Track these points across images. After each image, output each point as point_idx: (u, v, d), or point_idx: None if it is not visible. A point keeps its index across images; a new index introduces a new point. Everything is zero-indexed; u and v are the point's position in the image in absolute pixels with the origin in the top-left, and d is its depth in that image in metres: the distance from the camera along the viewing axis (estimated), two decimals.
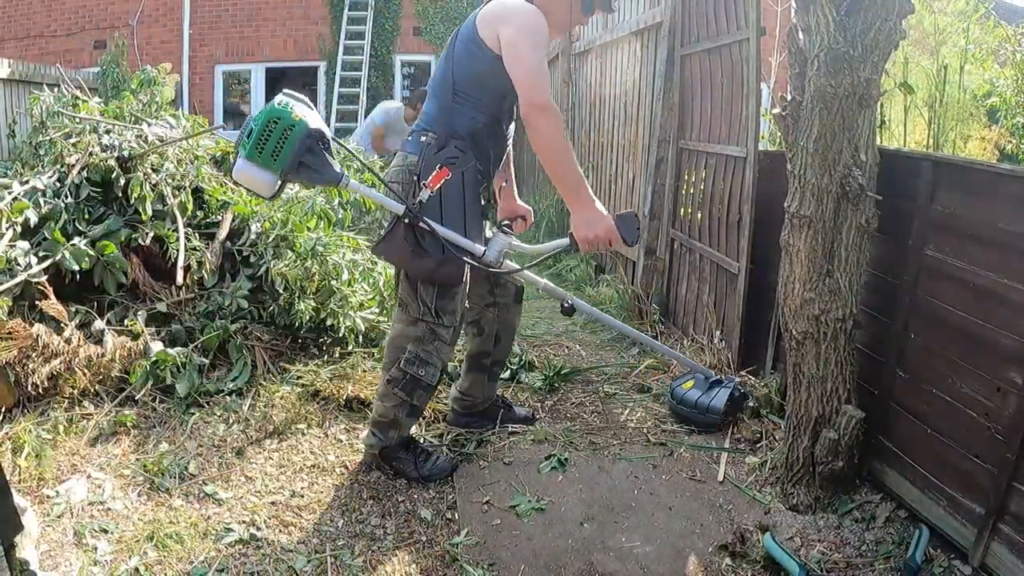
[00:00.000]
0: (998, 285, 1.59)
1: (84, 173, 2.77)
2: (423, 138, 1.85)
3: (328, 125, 8.31)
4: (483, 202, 1.99)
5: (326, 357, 2.81)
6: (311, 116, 1.78)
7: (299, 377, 2.58)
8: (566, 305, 2.14)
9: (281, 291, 2.72)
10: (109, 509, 1.86)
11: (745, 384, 2.47)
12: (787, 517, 1.90)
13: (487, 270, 1.94)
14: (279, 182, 1.79)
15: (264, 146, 1.72)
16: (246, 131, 1.76)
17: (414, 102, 4.94)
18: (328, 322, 2.80)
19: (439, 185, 1.81)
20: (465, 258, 1.87)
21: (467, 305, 2.08)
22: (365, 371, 2.71)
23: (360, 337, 2.85)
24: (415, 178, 1.82)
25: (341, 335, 2.82)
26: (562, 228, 4.91)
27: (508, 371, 2.77)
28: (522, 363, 2.85)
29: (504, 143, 1.99)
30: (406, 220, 1.82)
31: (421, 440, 2.19)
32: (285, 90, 1.86)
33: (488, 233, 2.01)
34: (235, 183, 2.01)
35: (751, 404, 2.39)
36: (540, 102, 1.72)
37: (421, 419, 2.33)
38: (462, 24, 1.91)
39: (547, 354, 3.07)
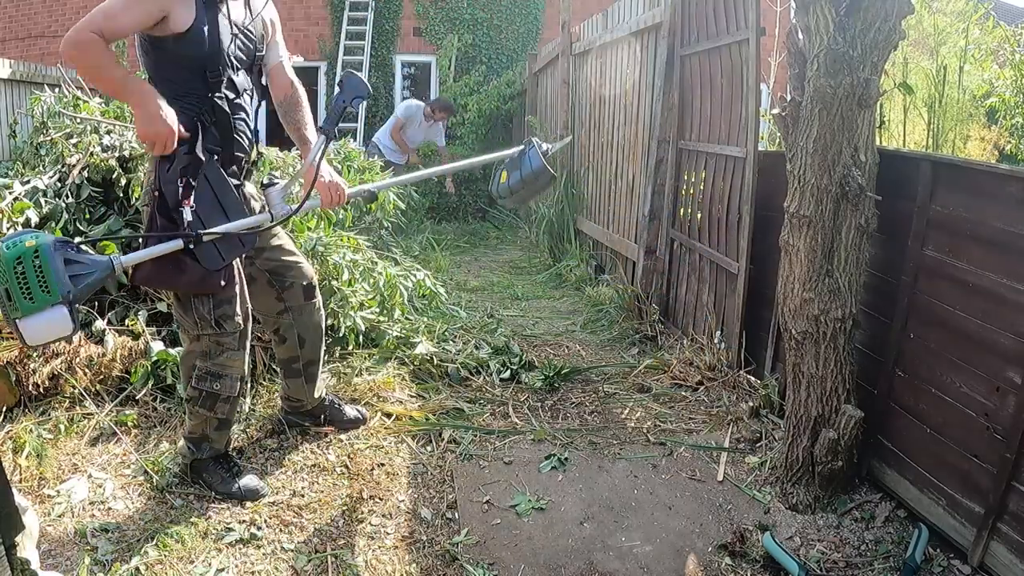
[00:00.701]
0: (997, 285, 1.60)
1: (85, 173, 2.78)
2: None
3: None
4: (236, 182, 1.84)
5: (326, 357, 2.81)
6: (39, 233, 1.56)
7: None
8: (366, 195, 2.04)
9: None
10: (110, 508, 1.87)
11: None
12: (787, 516, 1.91)
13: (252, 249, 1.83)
14: (71, 309, 1.52)
15: (30, 291, 1.48)
16: (2, 298, 1.49)
17: (434, 107, 5.99)
18: (328, 322, 2.80)
19: (192, 195, 1.69)
20: (251, 232, 1.76)
21: (254, 313, 2.01)
22: (366, 369, 2.72)
23: (360, 337, 2.85)
24: (172, 204, 1.69)
25: (342, 335, 2.82)
26: (561, 227, 4.92)
27: (508, 371, 2.78)
28: (522, 363, 2.86)
29: (240, 111, 1.81)
30: (191, 246, 1.67)
31: (238, 454, 2.11)
32: None
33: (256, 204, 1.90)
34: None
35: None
36: (69, 37, 1.68)
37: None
38: None
39: (547, 354, 3.07)
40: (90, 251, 1.63)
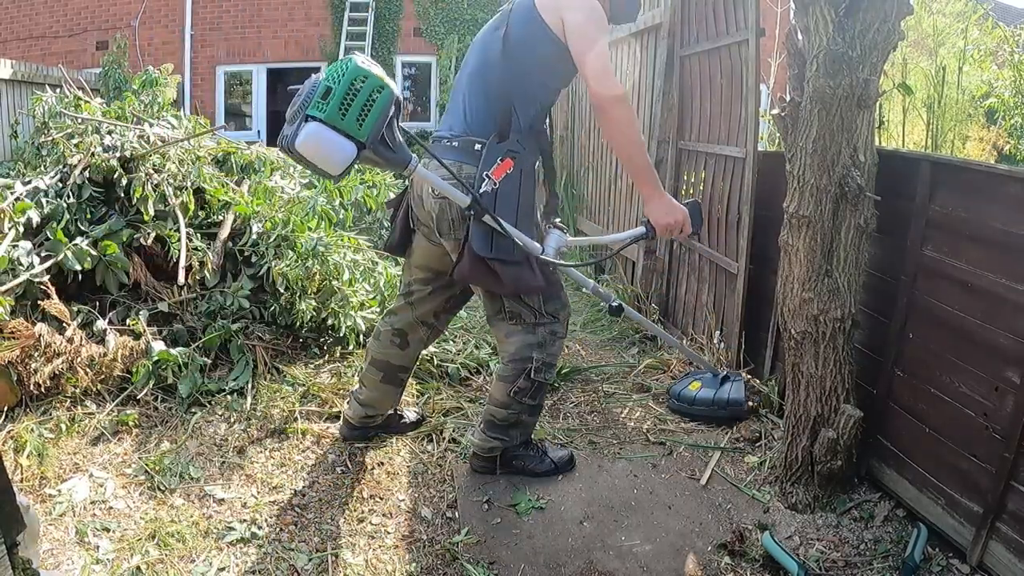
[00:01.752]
0: (996, 285, 1.60)
1: (86, 173, 2.79)
2: (476, 146, 1.72)
3: None
4: (536, 198, 1.85)
5: (327, 357, 2.82)
6: (392, 81, 1.55)
7: (301, 384, 2.58)
8: (613, 305, 2.09)
9: (282, 291, 2.73)
10: (111, 508, 1.87)
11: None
12: (786, 516, 1.91)
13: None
14: (356, 156, 1.50)
15: (349, 108, 1.45)
16: (316, 92, 1.48)
17: None
18: (329, 322, 2.81)
19: (502, 177, 1.69)
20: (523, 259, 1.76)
21: (410, 315, 2.04)
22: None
23: (360, 337, 2.86)
24: (481, 172, 1.69)
25: (342, 335, 2.83)
26: (563, 221, 4.89)
27: None
28: None
29: (548, 136, 1.89)
30: (471, 212, 1.67)
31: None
32: (355, 52, 1.66)
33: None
34: (297, 157, 1.54)
35: (757, 399, 2.42)
36: (617, 91, 1.65)
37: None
38: (506, 12, 1.79)
39: None
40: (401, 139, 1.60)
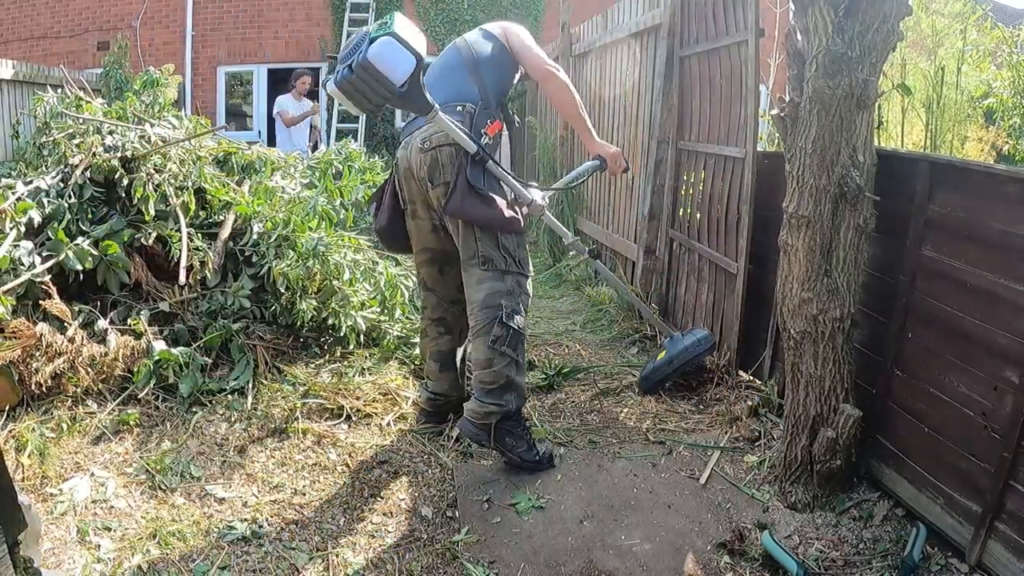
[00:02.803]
0: (995, 285, 1.60)
1: (87, 173, 2.79)
2: (459, 107, 2.04)
3: (329, 126, 8.33)
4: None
5: (328, 356, 2.82)
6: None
7: (302, 384, 2.59)
8: (590, 249, 2.52)
9: (283, 291, 2.73)
10: (112, 507, 1.88)
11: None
12: (785, 515, 1.91)
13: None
14: (410, 76, 1.79)
15: (405, 34, 1.77)
16: (374, 28, 1.82)
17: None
18: (330, 321, 2.81)
19: (494, 134, 2.04)
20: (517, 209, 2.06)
21: (436, 300, 2.26)
22: (367, 369, 2.73)
23: (361, 336, 2.86)
24: (473, 129, 2.00)
25: (343, 335, 2.83)
26: (562, 221, 4.93)
27: None
28: (530, 369, 2.87)
29: (511, 115, 2.26)
30: (478, 158, 1.97)
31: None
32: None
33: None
34: (360, 73, 1.76)
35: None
36: (550, 66, 2.15)
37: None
38: (459, 38, 2.24)
39: (547, 353, 3.08)
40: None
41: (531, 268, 2.11)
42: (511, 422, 2.01)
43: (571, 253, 2.63)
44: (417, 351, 2.77)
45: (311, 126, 6.76)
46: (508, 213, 2.00)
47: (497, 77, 2.14)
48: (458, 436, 2.26)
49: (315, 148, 7.40)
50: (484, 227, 2.00)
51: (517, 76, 2.24)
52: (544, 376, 2.75)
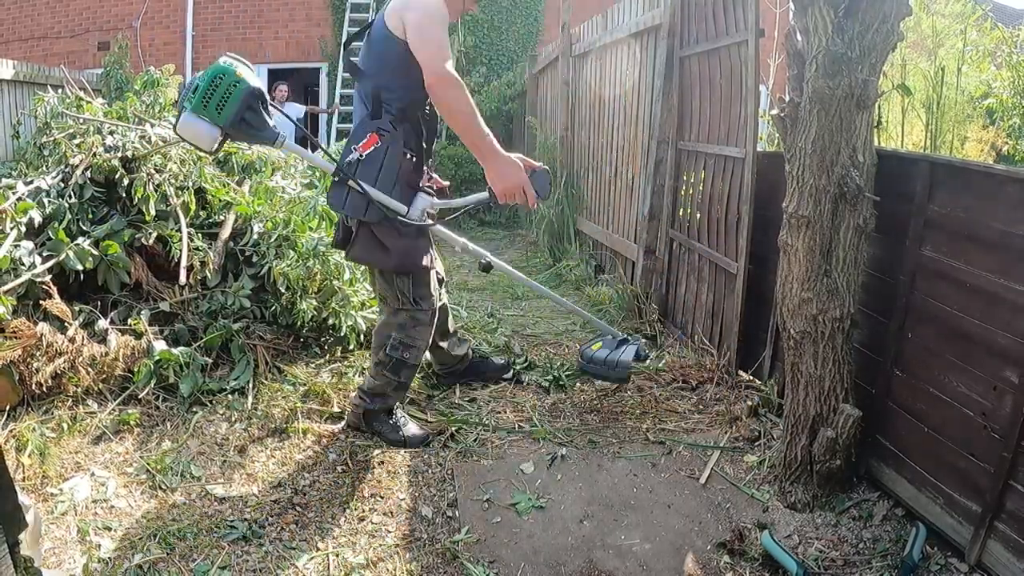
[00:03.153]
0: (994, 285, 1.60)
1: (88, 174, 2.79)
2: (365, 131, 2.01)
3: (330, 126, 8.33)
4: (417, 173, 2.07)
5: (328, 356, 2.83)
6: (252, 77, 1.91)
7: (302, 383, 2.59)
8: (483, 263, 2.29)
9: (283, 291, 2.73)
10: (112, 507, 1.88)
11: (648, 345, 2.82)
12: (785, 515, 1.92)
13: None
14: (221, 137, 1.90)
15: (209, 101, 1.84)
16: (191, 88, 1.88)
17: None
18: (330, 321, 2.81)
19: (369, 151, 1.97)
20: (417, 238, 2.06)
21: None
22: (365, 369, 2.73)
23: (361, 336, 2.87)
24: (348, 145, 2.01)
25: (343, 334, 2.83)
26: (561, 227, 4.93)
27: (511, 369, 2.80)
28: (523, 362, 2.87)
29: (436, 119, 2.08)
30: (336, 178, 1.99)
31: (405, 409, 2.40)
32: (228, 52, 1.99)
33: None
34: (179, 138, 2.02)
35: (652, 361, 2.71)
36: (441, 73, 1.83)
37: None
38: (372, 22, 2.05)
39: (547, 353, 3.08)
40: (270, 120, 1.94)
41: (432, 301, 2.14)
42: (379, 415, 2.26)
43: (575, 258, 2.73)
44: None
45: (305, 115, 7.05)
46: (402, 258, 2.03)
47: (389, 78, 1.97)
48: (456, 430, 2.29)
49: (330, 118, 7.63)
50: (380, 269, 2.11)
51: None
52: (544, 376, 2.75)
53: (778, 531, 1.85)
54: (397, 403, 2.28)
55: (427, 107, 2.02)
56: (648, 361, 2.65)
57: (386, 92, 1.97)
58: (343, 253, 2.25)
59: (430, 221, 2.11)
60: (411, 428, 2.27)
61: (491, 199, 2.03)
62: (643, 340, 2.71)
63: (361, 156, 1.97)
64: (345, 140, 2.13)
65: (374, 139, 1.97)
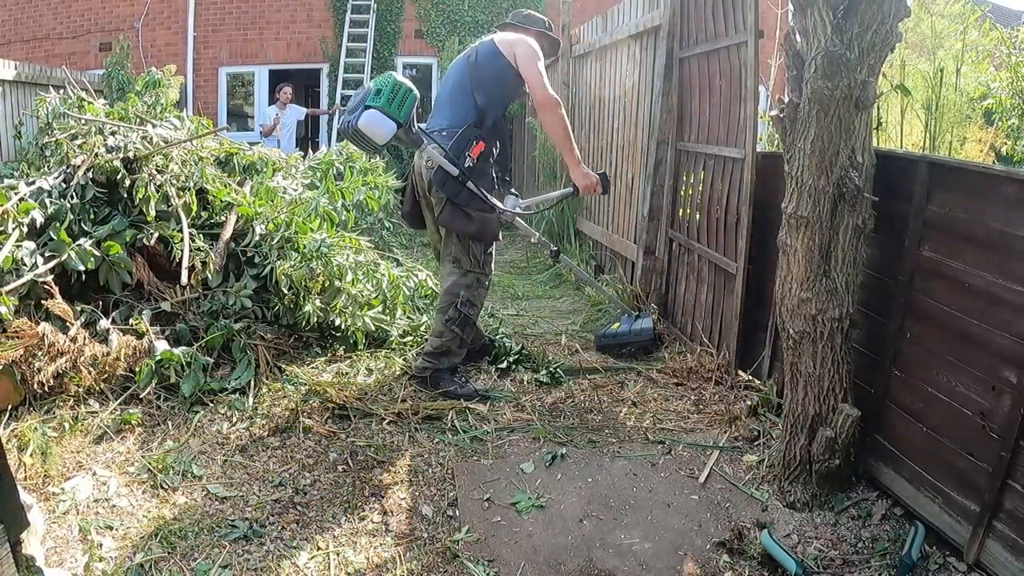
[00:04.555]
0: (993, 285, 1.61)
1: (89, 174, 2.80)
2: (444, 133, 2.52)
3: (331, 126, 8.34)
4: (499, 175, 2.76)
5: (329, 356, 2.83)
6: (414, 88, 2.41)
7: (303, 383, 2.60)
8: (553, 249, 2.99)
9: (286, 291, 2.74)
10: (114, 506, 1.89)
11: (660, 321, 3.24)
12: (784, 514, 1.92)
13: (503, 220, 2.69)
14: (393, 133, 2.34)
15: (393, 101, 2.31)
16: (371, 91, 2.34)
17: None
18: (336, 322, 2.82)
19: (478, 154, 2.48)
20: (493, 212, 2.54)
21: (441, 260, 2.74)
22: (366, 369, 2.74)
23: (365, 336, 2.87)
24: (462, 151, 2.46)
25: (346, 334, 2.84)
26: (562, 227, 4.96)
27: (507, 368, 2.81)
28: (523, 362, 2.88)
29: (508, 133, 2.86)
30: (460, 179, 2.45)
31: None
32: (392, 71, 2.49)
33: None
34: (354, 134, 2.35)
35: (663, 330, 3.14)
36: (549, 97, 2.52)
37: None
38: (473, 48, 2.63)
39: (548, 353, 3.09)
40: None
41: (492, 269, 2.66)
42: (444, 373, 2.59)
43: (560, 260, 3.16)
44: (416, 351, 2.87)
45: (305, 117, 7.26)
46: (481, 227, 2.50)
47: (499, 96, 2.56)
48: (455, 435, 2.29)
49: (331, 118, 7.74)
50: (460, 235, 2.53)
51: (523, 88, 2.60)
52: (545, 375, 2.76)
53: (777, 530, 1.85)
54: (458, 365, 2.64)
55: (508, 124, 2.68)
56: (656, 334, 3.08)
57: (492, 104, 2.52)
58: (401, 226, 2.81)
59: (519, 210, 2.74)
60: (472, 385, 2.59)
61: (574, 191, 2.79)
62: (653, 314, 3.19)
63: (474, 161, 2.46)
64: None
65: (480, 146, 2.48)
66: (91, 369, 2.33)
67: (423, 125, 2.55)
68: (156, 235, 2.71)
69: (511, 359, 2.84)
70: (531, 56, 2.49)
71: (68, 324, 2.39)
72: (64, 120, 3.29)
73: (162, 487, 1.96)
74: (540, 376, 2.76)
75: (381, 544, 1.81)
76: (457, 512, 1.94)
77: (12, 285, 2.33)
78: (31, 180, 2.78)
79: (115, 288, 2.66)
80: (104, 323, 2.49)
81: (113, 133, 3.03)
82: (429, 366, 2.58)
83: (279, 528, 1.84)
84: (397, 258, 3.75)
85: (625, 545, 1.81)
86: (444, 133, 2.50)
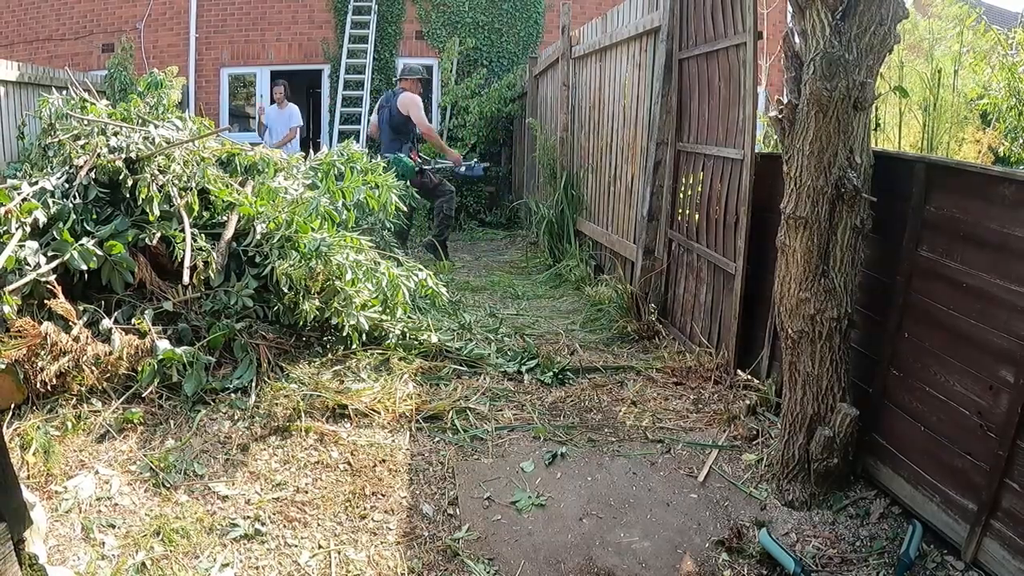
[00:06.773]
0: (990, 285, 1.62)
1: (92, 174, 2.81)
2: (400, 147, 5.14)
3: (332, 127, 8.35)
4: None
5: (330, 355, 2.84)
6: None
7: (304, 382, 2.61)
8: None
9: (286, 291, 2.75)
10: (116, 505, 1.90)
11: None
12: (783, 513, 1.93)
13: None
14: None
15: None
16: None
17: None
18: (332, 321, 2.83)
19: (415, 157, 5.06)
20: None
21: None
22: (367, 368, 2.75)
23: (363, 336, 2.88)
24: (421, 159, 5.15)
25: (345, 334, 2.85)
26: (561, 228, 4.97)
27: (510, 368, 2.83)
28: (523, 361, 2.89)
29: (417, 136, 5.37)
30: (419, 169, 5.07)
31: None
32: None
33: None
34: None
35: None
36: (427, 128, 5.28)
37: None
38: (388, 97, 5.27)
39: (548, 352, 3.09)
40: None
41: (451, 192, 5.25)
42: (444, 243, 5.19)
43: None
44: (415, 351, 2.93)
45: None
46: (444, 187, 5.24)
47: (411, 129, 5.18)
48: (456, 434, 2.32)
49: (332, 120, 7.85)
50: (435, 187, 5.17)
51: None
52: (545, 374, 2.77)
53: (776, 529, 1.86)
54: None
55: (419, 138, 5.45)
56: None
57: (406, 136, 5.14)
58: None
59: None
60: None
61: (453, 165, 5.52)
62: (480, 165, 5.77)
63: (418, 162, 5.09)
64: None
65: (415, 154, 5.14)
66: (94, 368, 2.34)
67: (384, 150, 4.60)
68: (158, 235, 2.72)
69: (516, 366, 2.86)
70: (418, 109, 5.06)
71: (71, 323, 2.40)
72: (67, 121, 3.30)
73: (164, 486, 1.97)
74: (544, 377, 2.77)
75: (382, 542, 1.82)
76: (457, 511, 1.95)
77: (15, 284, 2.34)
78: (34, 180, 2.80)
79: (117, 288, 2.67)
80: (107, 322, 2.50)
81: (116, 134, 3.04)
82: (437, 235, 5.16)
83: (280, 527, 1.85)
84: (397, 257, 3.76)
85: (625, 543, 1.82)
86: (399, 145, 5.01)
